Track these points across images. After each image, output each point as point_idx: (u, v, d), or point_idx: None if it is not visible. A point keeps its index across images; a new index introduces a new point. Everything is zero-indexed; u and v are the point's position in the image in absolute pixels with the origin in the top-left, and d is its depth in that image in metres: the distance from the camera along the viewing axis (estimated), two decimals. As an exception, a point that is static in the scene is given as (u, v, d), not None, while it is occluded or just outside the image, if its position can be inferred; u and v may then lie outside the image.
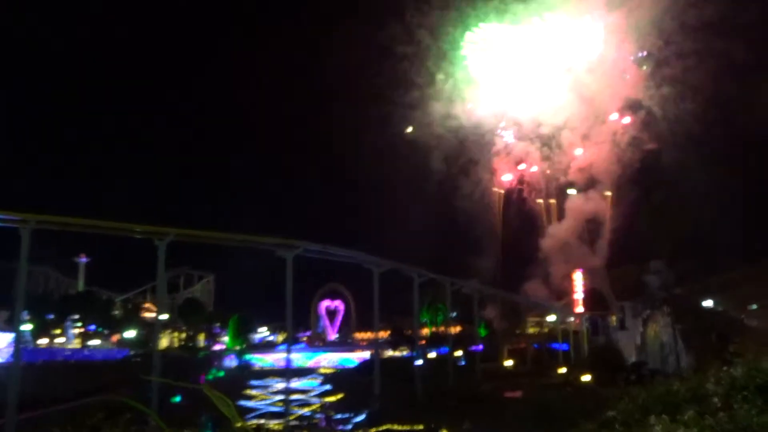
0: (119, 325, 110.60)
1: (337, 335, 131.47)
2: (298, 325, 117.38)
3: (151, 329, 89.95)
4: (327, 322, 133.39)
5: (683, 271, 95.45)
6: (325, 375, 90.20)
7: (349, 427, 65.21)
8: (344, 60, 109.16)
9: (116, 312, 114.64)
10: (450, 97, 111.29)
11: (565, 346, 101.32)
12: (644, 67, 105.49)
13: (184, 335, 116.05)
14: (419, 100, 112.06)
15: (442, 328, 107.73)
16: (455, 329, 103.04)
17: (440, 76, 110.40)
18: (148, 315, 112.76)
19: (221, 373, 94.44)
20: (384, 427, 58.63)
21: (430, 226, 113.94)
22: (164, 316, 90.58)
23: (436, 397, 67.11)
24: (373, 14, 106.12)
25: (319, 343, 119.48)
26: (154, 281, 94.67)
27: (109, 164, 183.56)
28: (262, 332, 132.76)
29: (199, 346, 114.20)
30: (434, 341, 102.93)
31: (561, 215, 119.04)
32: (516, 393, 73.73)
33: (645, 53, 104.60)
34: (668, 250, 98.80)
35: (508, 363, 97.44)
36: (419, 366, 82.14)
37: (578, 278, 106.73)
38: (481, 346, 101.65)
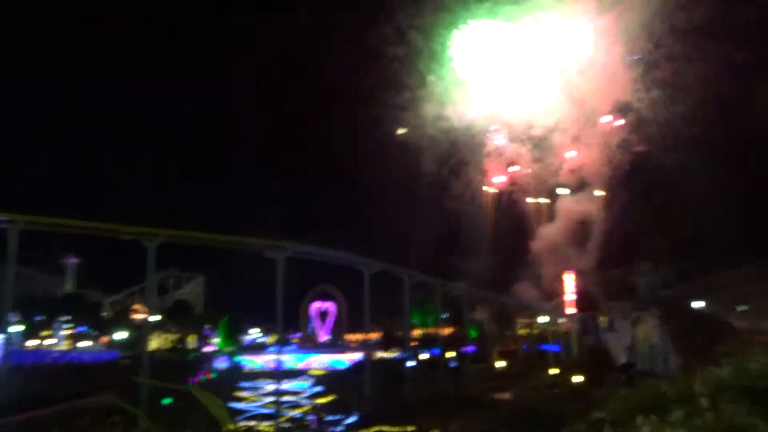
0: (109, 327, 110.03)
1: (328, 337, 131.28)
2: (289, 327, 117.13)
3: (141, 331, 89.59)
4: (318, 324, 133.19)
5: (672, 272, 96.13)
6: (316, 377, 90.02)
7: (340, 428, 65.10)
8: (336, 61, 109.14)
9: (106, 313, 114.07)
10: (441, 98, 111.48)
11: (555, 348, 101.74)
12: (636, 69, 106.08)
13: (174, 337, 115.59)
14: (410, 101, 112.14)
15: (432, 330, 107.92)
16: (446, 331, 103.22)
17: (431, 78, 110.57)
18: (137, 316, 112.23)
19: (214, 375, 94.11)
20: (375, 429, 58.58)
21: (420, 228, 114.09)
22: (154, 318, 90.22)
23: (427, 398, 67.18)
24: (364, 15, 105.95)
25: (310, 345, 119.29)
26: (144, 283, 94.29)
27: (108, 164, 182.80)
28: (253, 334, 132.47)
29: (189, 347, 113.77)
30: (425, 343, 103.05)
31: (552, 217, 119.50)
32: (506, 394, 73.99)
33: (636, 56, 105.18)
34: (658, 251, 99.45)
35: (499, 364, 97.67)
36: (410, 367, 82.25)
37: (568, 280, 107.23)
38: (472, 348, 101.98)
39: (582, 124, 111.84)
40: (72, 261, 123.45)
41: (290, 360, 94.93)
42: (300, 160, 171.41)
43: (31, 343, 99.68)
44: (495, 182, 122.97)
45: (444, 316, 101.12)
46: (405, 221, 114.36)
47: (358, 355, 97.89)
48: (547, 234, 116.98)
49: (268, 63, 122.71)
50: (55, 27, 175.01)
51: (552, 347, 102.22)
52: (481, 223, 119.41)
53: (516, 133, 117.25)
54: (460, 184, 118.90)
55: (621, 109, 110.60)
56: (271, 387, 73.89)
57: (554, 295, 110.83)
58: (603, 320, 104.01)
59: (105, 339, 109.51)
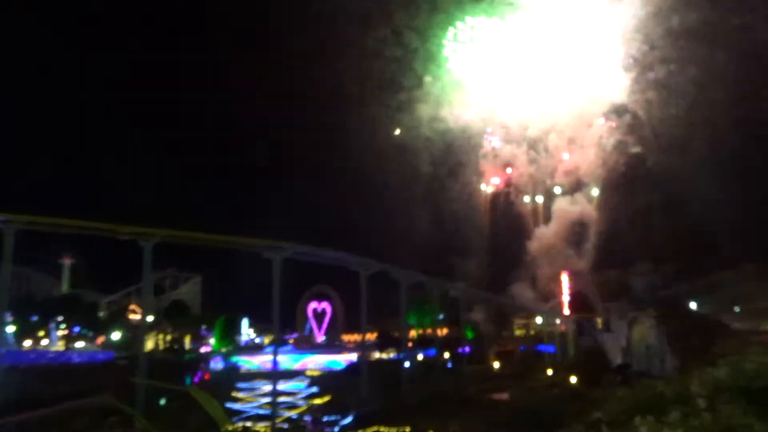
0: (104, 327, 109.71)
1: (324, 337, 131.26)
2: (286, 327, 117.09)
3: (137, 331, 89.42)
4: (314, 324, 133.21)
5: (670, 272, 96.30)
6: (312, 377, 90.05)
7: (337, 429, 65.10)
8: (336, 62, 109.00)
9: (101, 314, 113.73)
10: (438, 99, 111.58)
11: (551, 348, 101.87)
12: (632, 70, 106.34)
13: (169, 337, 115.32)
14: (407, 102, 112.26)
15: (429, 331, 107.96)
16: (442, 332, 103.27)
17: (428, 79, 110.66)
18: (133, 317, 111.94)
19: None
20: (371, 429, 58.63)
21: (417, 229, 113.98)
22: (150, 318, 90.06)
23: (424, 399, 67.18)
24: (361, 17, 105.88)
25: (307, 346, 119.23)
26: (141, 283, 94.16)
27: (105, 165, 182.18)
28: (249, 334, 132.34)
29: (185, 348, 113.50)
30: (422, 343, 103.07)
31: (548, 218, 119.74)
32: (503, 395, 74.07)
33: (631, 59, 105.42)
34: (654, 252, 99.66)
35: (496, 365, 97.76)
36: (407, 368, 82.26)
37: (565, 280, 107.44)
38: (468, 349, 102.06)
39: (578, 125, 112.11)
40: (68, 262, 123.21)
41: (286, 361, 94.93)
42: (298, 160, 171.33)
43: (26, 344, 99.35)
44: (492, 183, 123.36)
45: (440, 316, 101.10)
46: (402, 222, 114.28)
47: (354, 356, 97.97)
48: (543, 235, 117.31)
49: (267, 64, 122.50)
50: (55, 27, 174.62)
51: (548, 348, 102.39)
52: (477, 224, 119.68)
53: (512, 134, 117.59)
54: (458, 185, 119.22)
55: (617, 110, 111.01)
56: (267, 387, 73.83)
57: (550, 295, 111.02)
58: (599, 321, 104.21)
59: (101, 339, 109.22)
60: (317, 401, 76.31)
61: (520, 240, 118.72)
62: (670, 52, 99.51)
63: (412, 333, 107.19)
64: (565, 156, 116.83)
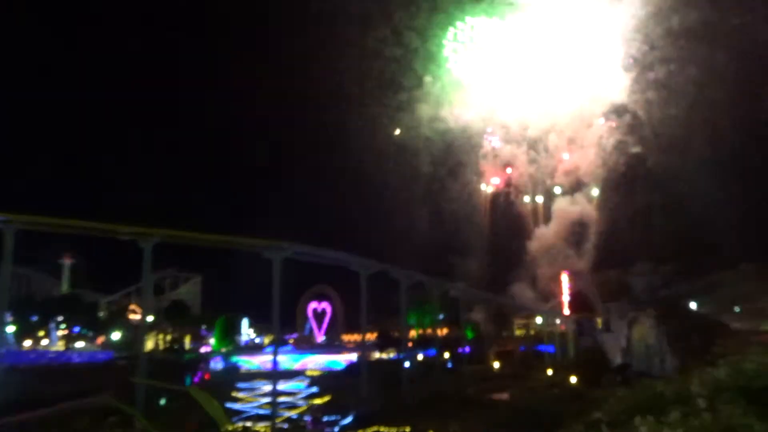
0: (104, 327, 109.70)
1: (324, 337, 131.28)
2: (286, 327, 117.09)
3: (137, 331, 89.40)
4: (314, 324, 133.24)
5: (668, 273, 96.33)
6: (312, 377, 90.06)
7: (336, 429, 65.07)
8: (335, 62, 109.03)
9: (101, 314, 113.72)
10: (438, 99, 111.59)
11: (551, 348, 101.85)
12: (631, 70, 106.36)
13: (170, 337, 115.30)
14: (407, 102, 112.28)
15: (429, 331, 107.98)
16: (442, 332, 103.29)
17: (428, 79, 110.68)
18: (133, 317, 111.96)
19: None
20: (371, 429, 58.60)
21: (417, 229, 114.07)
22: (150, 318, 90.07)
23: (424, 399, 67.19)
24: (360, 17, 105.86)
25: (307, 346, 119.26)
26: (140, 283, 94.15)
27: (108, 165, 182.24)
28: (249, 334, 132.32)
29: (185, 348, 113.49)
30: (422, 343, 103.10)
31: (548, 218, 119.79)
32: (503, 395, 74.05)
33: (631, 59, 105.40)
34: (654, 252, 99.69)
35: (496, 365, 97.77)
36: (407, 368, 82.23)
37: (564, 280, 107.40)
38: (468, 349, 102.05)
39: (578, 125, 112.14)
40: (68, 262, 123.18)
41: (286, 361, 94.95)
42: (298, 160, 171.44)
43: (26, 344, 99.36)
44: (492, 183, 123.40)
45: (441, 316, 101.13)
46: (402, 222, 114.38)
47: (354, 356, 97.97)
48: (543, 235, 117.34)
49: (267, 63, 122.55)
50: (55, 27, 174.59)
51: (548, 348, 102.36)
52: (478, 224, 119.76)
53: (512, 134, 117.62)
54: (457, 185, 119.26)
55: (617, 110, 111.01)
56: (267, 387, 73.82)
57: (550, 295, 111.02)
58: (599, 321, 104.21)
59: (101, 339, 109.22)
60: (317, 401, 76.30)
61: (520, 240, 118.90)
62: (669, 52, 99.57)
63: (412, 333, 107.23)
64: (565, 156, 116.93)
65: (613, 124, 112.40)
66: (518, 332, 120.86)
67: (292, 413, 71.90)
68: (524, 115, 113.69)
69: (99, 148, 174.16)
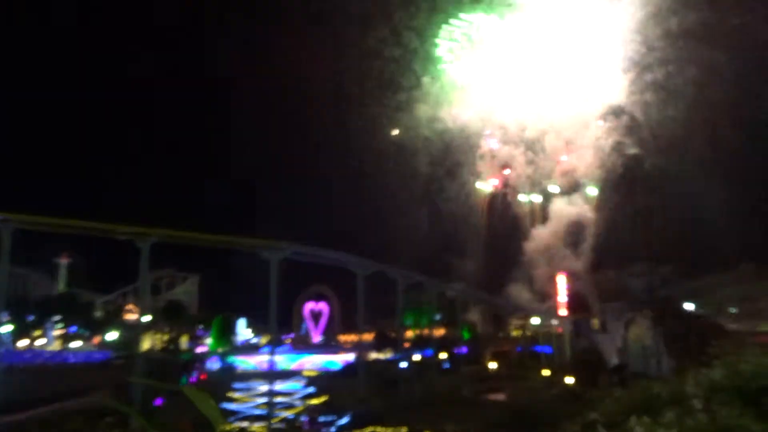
0: (101, 327, 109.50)
1: (321, 337, 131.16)
2: (282, 327, 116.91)
3: (133, 331, 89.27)
4: (311, 324, 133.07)
5: (665, 274, 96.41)
6: (309, 377, 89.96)
7: (333, 429, 65.06)
8: (335, 62, 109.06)
9: (98, 314, 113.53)
10: (435, 99, 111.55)
11: (548, 349, 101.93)
12: (628, 71, 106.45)
13: (166, 337, 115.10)
14: (405, 102, 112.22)
15: (426, 331, 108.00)
16: (439, 332, 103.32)
17: (426, 79, 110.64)
18: (130, 317, 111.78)
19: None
20: (368, 430, 58.60)
21: (414, 229, 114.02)
22: (146, 318, 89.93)
23: (420, 399, 67.22)
24: (360, 17, 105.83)
25: (303, 346, 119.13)
26: (137, 282, 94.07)
27: (106, 164, 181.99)
28: (246, 334, 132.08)
29: (181, 348, 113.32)
30: (418, 344, 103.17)
31: (545, 218, 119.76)
32: (500, 395, 74.12)
33: (630, 60, 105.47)
34: (651, 253, 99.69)
35: (492, 366, 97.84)
36: (404, 368, 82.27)
37: (561, 281, 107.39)
38: (465, 349, 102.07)
39: (575, 126, 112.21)
40: (64, 261, 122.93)
41: (283, 361, 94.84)
42: (297, 160, 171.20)
43: (22, 344, 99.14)
44: (489, 184, 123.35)
45: (437, 317, 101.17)
46: (399, 222, 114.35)
47: (351, 356, 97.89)
48: (540, 235, 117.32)
49: (267, 63, 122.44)
50: (55, 27, 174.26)
51: (545, 348, 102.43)
52: (475, 225, 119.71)
53: (510, 135, 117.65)
54: (455, 186, 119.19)
55: (615, 112, 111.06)
56: (263, 388, 73.77)
57: (547, 296, 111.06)
58: (595, 322, 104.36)
59: (97, 339, 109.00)
60: (314, 401, 76.22)
61: (517, 241, 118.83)
62: (668, 53, 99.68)
63: (409, 333, 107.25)
64: (563, 157, 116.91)
65: (611, 125, 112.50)
66: (515, 333, 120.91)
67: (289, 413, 71.84)
68: (522, 115, 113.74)
69: (96, 148, 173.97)
